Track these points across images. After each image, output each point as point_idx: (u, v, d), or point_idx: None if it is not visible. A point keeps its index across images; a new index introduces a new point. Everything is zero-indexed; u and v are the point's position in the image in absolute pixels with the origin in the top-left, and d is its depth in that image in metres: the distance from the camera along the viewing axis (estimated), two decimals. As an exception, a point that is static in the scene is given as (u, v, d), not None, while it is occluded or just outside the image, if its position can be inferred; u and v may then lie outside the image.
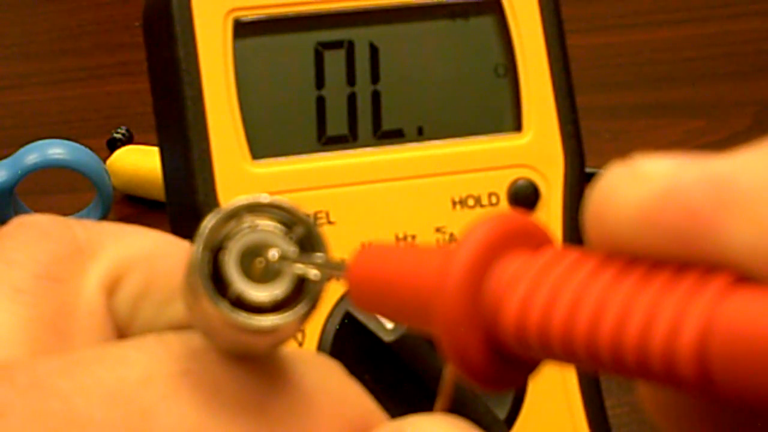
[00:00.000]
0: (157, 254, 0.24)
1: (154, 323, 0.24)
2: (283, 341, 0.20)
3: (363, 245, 0.21)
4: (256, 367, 0.21)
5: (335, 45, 0.38)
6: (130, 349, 0.20)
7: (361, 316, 0.35)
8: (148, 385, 0.20)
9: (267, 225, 0.20)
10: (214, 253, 0.20)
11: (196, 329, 0.21)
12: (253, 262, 0.20)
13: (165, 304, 0.24)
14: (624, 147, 0.68)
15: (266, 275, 0.20)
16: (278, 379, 0.21)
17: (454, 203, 0.37)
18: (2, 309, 0.22)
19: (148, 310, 0.23)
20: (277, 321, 0.19)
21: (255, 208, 0.20)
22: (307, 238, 0.20)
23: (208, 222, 0.20)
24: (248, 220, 0.20)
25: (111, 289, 0.23)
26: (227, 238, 0.20)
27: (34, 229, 0.23)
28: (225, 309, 0.19)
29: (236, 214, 0.20)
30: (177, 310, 0.24)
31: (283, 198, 0.20)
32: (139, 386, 0.20)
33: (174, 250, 0.24)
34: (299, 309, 0.20)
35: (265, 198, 0.20)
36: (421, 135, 0.38)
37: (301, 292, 0.20)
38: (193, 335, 0.21)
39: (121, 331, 0.23)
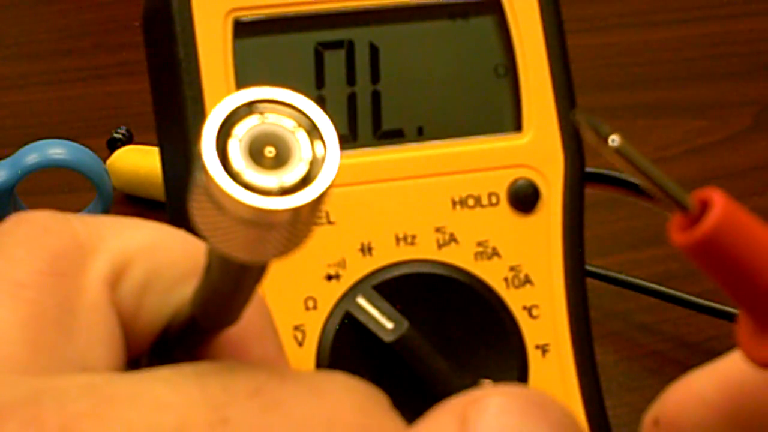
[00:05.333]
0: (157, 245, 0.24)
1: (159, 312, 0.23)
2: (291, 240, 0.20)
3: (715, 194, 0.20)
4: (296, 415, 0.20)
5: (335, 45, 0.38)
6: (164, 388, 0.20)
7: (362, 316, 0.35)
8: None
9: (276, 118, 0.20)
10: (222, 145, 0.20)
11: (205, 239, 0.20)
12: (262, 153, 0.20)
13: (169, 292, 0.24)
14: (624, 147, 0.68)
15: (275, 167, 0.20)
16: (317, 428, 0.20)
17: (454, 203, 0.37)
18: (4, 305, 0.21)
19: (152, 299, 0.23)
20: (285, 203, 0.19)
21: (263, 101, 0.20)
22: (314, 130, 0.20)
23: (217, 111, 0.20)
24: (257, 111, 0.20)
25: (113, 282, 0.23)
26: (236, 128, 0.20)
27: (34, 225, 0.23)
28: (234, 188, 0.19)
29: (245, 104, 0.20)
30: (181, 296, 0.23)
31: (291, 92, 0.20)
32: None
33: (174, 240, 0.24)
34: (308, 192, 0.19)
35: (272, 92, 0.20)
36: (421, 135, 0.38)
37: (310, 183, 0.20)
38: (235, 374, 0.20)
39: (126, 323, 0.23)
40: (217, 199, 0.19)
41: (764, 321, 0.21)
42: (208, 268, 0.21)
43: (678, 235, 0.20)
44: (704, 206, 0.20)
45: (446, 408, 0.20)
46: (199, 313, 0.22)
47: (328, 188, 0.20)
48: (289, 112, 0.20)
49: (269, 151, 0.20)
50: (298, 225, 0.20)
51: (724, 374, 0.24)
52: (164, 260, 0.24)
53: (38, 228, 0.23)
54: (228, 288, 0.21)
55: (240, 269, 0.21)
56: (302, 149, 0.20)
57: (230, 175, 0.19)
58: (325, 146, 0.20)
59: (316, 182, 0.20)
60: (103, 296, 0.23)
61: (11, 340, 0.21)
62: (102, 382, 0.20)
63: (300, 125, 0.20)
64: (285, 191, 0.19)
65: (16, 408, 0.19)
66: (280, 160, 0.20)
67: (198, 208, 0.20)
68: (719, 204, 0.20)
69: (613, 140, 0.20)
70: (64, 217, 0.23)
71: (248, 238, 0.20)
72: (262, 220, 0.19)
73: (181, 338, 0.23)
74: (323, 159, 0.20)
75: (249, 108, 0.20)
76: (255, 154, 0.20)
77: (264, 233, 0.20)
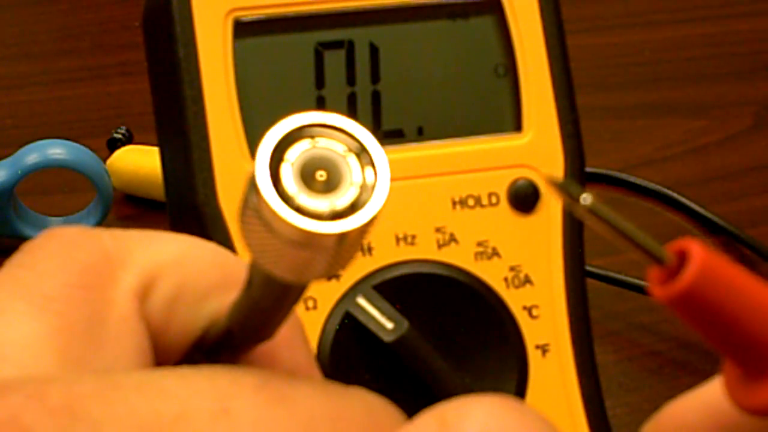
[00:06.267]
0: (186, 257, 0.24)
1: (189, 325, 0.24)
2: (338, 261, 0.20)
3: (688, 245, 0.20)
4: (300, 411, 0.20)
5: (335, 45, 0.38)
6: (172, 379, 0.20)
7: (362, 316, 0.35)
8: (183, 422, 0.19)
9: (327, 142, 0.20)
10: (275, 169, 0.20)
11: (253, 259, 0.20)
12: (313, 176, 0.20)
13: (199, 304, 0.24)
14: (624, 147, 0.68)
15: (326, 190, 0.20)
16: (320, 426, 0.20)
17: (454, 203, 0.37)
18: (33, 318, 0.22)
19: (182, 312, 0.23)
20: (337, 228, 0.19)
21: (314, 126, 0.20)
22: (364, 154, 0.20)
23: (270, 135, 0.20)
24: (309, 136, 0.20)
25: (143, 295, 0.23)
26: (288, 152, 0.20)
27: (63, 239, 0.23)
28: (287, 212, 0.19)
29: (297, 129, 0.20)
30: (211, 309, 0.24)
31: (342, 117, 0.20)
32: (173, 423, 0.19)
33: (203, 252, 0.24)
34: (357, 217, 0.20)
35: (323, 116, 0.20)
36: (421, 135, 0.38)
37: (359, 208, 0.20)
38: (245, 371, 0.21)
39: (156, 336, 0.23)
40: (268, 222, 0.20)
41: (750, 369, 0.21)
42: (250, 285, 0.22)
43: (657, 288, 0.20)
44: (681, 258, 0.20)
45: (429, 412, 0.20)
46: (237, 327, 0.23)
47: (379, 212, 0.20)
48: (340, 136, 0.20)
49: (320, 175, 0.20)
50: (345, 247, 0.20)
51: (707, 402, 0.25)
52: (193, 273, 0.24)
53: (68, 242, 0.23)
54: (268, 305, 0.22)
55: (282, 288, 0.21)
56: (353, 173, 0.20)
57: (283, 198, 0.20)
58: (375, 171, 0.20)
59: (367, 207, 0.20)
60: (132, 309, 0.23)
61: (39, 352, 0.21)
62: (114, 373, 0.21)
63: (350, 150, 0.20)
64: (336, 215, 0.20)
65: (24, 384, 0.19)
66: (330, 184, 0.20)
67: (248, 230, 0.20)
68: (697, 256, 0.19)
69: (584, 199, 0.20)
70: (94, 232, 0.24)
71: (296, 260, 0.20)
72: (312, 243, 0.20)
73: (213, 351, 0.23)
74: (373, 184, 0.20)
75: (300, 132, 0.20)
76: (306, 177, 0.20)
77: (312, 255, 0.20)
